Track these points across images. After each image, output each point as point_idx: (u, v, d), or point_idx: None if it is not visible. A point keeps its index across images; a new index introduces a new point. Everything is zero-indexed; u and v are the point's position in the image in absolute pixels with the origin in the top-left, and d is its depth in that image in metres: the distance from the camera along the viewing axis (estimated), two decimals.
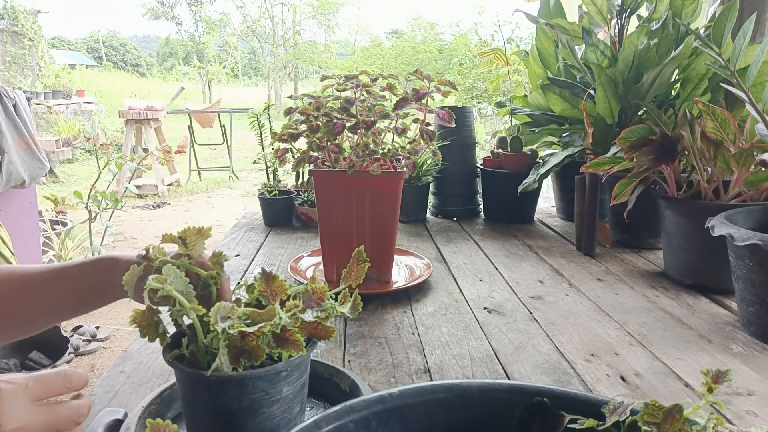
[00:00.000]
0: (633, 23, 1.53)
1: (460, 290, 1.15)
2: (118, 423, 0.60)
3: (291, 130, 1.07)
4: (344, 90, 1.10)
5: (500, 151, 1.73)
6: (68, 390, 0.46)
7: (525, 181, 1.52)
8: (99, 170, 3.39)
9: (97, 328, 2.69)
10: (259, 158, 1.80)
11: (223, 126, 6.57)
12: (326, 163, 1.10)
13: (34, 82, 9.11)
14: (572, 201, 1.43)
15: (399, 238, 1.49)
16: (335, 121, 1.04)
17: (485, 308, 1.05)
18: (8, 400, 0.42)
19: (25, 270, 0.71)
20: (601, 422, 0.37)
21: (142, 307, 0.55)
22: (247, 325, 0.53)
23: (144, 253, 0.58)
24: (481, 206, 1.81)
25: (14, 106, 2.47)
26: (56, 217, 3.69)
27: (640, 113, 1.52)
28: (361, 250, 0.64)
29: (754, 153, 1.06)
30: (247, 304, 0.59)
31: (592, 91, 1.49)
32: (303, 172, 1.81)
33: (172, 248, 0.61)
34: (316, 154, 1.08)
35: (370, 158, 1.06)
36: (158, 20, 23.92)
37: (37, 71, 10.44)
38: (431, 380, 0.78)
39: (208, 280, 0.60)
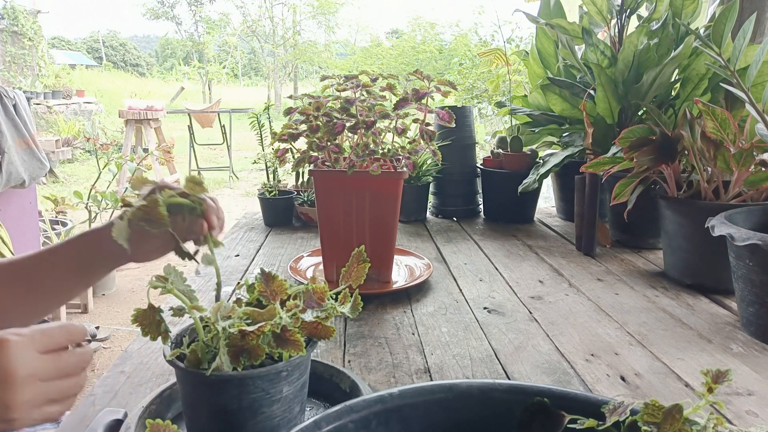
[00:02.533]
0: (633, 23, 1.53)
1: (460, 290, 1.15)
2: (118, 423, 0.60)
3: (291, 130, 1.07)
4: (344, 90, 1.10)
5: (500, 151, 1.73)
6: (70, 342, 0.50)
7: (525, 181, 1.52)
8: (99, 170, 3.39)
9: (97, 328, 2.69)
10: (259, 158, 1.80)
11: (223, 126, 6.57)
12: (326, 163, 1.10)
13: (34, 82, 9.11)
14: (572, 201, 1.43)
15: (399, 238, 1.48)
16: (335, 121, 1.04)
17: (485, 308, 1.05)
18: (18, 349, 0.46)
19: (8, 259, 0.72)
20: (601, 422, 0.37)
21: (144, 305, 0.55)
22: (248, 325, 0.53)
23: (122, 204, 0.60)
24: (481, 206, 1.81)
25: (14, 106, 2.46)
26: (56, 217, 3.68)
27: (640, 113, 1.52)
28: (361, 250, 0.64)
29: (754, 153, 1.06)
30: (247, 304, 0.59)
31: (592, 91, 1.49)
32: (303, 172, 1.81)
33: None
34: (316, 154, 1.08)
35: (370, 158, 1.06)
36: (158, 20, 23.94)
37: (37, 71, 10.44)
38: (431, 380, 0.78)
39: (193, 205, 0.62)
